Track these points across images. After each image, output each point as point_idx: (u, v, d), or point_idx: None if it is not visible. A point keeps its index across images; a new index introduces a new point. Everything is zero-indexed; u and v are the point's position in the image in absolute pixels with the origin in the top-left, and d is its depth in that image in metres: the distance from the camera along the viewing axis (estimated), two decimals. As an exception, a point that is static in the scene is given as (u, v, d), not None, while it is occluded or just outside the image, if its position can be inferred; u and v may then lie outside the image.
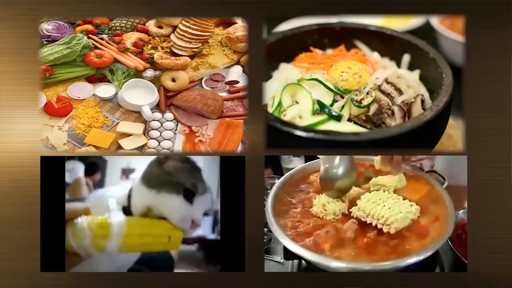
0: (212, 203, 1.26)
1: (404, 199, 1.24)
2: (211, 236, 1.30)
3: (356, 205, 1.23)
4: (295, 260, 1.30)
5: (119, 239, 1.16)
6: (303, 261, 1.29)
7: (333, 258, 1.12)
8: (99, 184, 1.39)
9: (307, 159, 1.48)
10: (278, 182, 1.35)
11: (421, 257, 1.11)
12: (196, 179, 1.22)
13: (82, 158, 1.37)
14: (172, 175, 1.21)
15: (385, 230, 1.16)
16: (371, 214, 1.19)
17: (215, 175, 1.32)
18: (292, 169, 1.42)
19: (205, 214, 1.25)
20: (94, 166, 1.41)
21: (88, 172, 1.39)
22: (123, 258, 1.22)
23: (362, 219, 1.19)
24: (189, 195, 1.20)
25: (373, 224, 1.18)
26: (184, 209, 1.20)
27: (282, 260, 1.30)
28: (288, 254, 1.23)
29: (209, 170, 1.29)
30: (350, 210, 1.22)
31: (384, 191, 1.27)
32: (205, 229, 1.29)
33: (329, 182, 1.27)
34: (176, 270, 1.26)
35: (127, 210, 1.21)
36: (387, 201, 1.22)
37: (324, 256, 1.13)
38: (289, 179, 1.38)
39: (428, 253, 1.12)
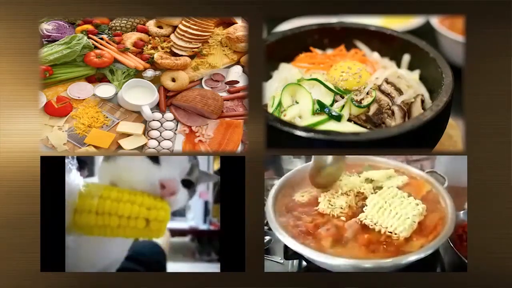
0: (192, 170, 1.05)
1: (409, 196, 1.26)
2: (203, 227, 1.28)
3: (363, 206, 1.25)
4: (295, 260, 1.30)
5: (67, 215, 0.85)
6: (303, 261, 1.29)
7: (333, 256, 1.12)
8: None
9: (307, 160, 1.47)
10: (278, 181, 1.36)
11: (421, 256, 1.12)
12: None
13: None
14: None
15: (394, 237, 1.17)
16: (378, 222, 1.20)
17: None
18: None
19: (186, 182, 1.05)
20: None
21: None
22: (106, 255, 1.12)
23: (370, 227, 1.20)
24: (154, 157, 1.01)
25: (382, 232, 1.19)
26: (148, 170, 0.99)
27: (282, 261, 1.30)
28: (288, 254, 1.23)
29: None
30: (359, 217, 1.23)
31: (388, 188, 1.29)
32: (197, 220, 1.26)
33: (317, 169, 1.28)
34: (169, 264, 1.22)
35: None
36: (393, 202, 1.23)
37: (324, 254, 1.13)
38: (290, 178, 1.38)
39: (428, 252, 1.13)
